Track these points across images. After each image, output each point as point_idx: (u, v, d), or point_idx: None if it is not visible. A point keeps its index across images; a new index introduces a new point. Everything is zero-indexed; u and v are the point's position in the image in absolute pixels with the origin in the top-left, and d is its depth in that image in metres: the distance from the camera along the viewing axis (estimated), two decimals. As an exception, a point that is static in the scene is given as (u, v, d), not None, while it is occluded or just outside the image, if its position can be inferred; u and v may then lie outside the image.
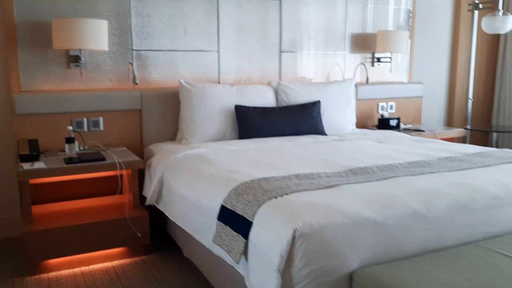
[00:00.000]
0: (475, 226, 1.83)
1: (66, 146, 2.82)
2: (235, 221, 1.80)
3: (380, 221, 1.64)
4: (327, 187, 1.87)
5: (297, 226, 1.51)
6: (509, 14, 4.11)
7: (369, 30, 4.13)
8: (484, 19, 4.16)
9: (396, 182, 1.94)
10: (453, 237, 1.78)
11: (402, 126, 4.02)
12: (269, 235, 1.59)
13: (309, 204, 1.65)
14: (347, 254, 1.58)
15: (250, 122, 3.15)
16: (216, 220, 1.93)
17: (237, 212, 1.80)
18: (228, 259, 1.83)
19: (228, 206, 1.88)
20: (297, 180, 1.99)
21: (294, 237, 1.51)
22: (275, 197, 1.74)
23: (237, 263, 1.74)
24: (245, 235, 1.71)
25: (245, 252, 1.72)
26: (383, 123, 3.91)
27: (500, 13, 4.07)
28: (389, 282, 1.46)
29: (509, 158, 2.42)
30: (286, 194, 1.77)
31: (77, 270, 2.61)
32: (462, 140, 4.56)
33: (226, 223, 1.86)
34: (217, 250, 1.92)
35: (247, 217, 1.73)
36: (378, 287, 1.48)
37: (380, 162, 2.36)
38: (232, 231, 1.80)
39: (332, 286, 1.56)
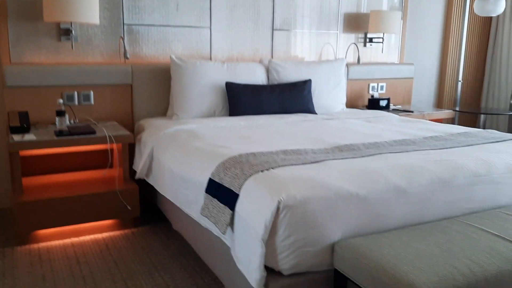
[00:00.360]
0: (455, 202, 1.89)
1: (57, 119, 2.83)
2: (222, 194, 1.84)
3: (362, 195, 1.68)
4: (312, 162, 1.91)
5: (282, 198, 1.56)
6: (501, -4, 4.12)
7: (363, 9, 4.13)
8: (476, 2, 4.17)
9: (380, 159, 1.99)
10: (433, 212, 1.84)
11: (391, 106, 4.07)
12: (255, 206, 1.64)
13: (294, 177, 1.70)
14: (329, 226, 1.63)
15: (241, 100, 3.18)
16: (204, 192, 1.97)
17: (224, 184, 1.84)
18: (215, 230, 1.88)
19: (216, 179, 1.92)
20: (284, 156, 2.03)
21: (278, 208, 1.55)
22: (262, 171, 1.78)
23: (224, 234, 1.79)
24: (232, 207, 1.75)
25: (231, 223, 1.76)
26: (373, 104, 3.95)
27: (493, -4, 4.07)
28: (368, 253, 1.52)
29: (493, 138, 2.48)
30: (272, 168, 1.81)
31: (67, 241, 2.66)
32: (451, 121, 4.62)
33: (213, 196, 1.90)
34: (205, 222, 1.97)
35: (233, 190, 1.77)
36: (357, 257, 1.53)
37: (366, 140, 2.40)
38: (219, 203, 1.84)
39: (314, 256, 1.62)
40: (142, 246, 2.61)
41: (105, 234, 2.76)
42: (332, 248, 1.65)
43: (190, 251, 2.52)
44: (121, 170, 2.81)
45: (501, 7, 4.09)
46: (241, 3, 3.57)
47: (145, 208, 3.00)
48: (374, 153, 2.10)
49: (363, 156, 2.03)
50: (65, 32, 3.03)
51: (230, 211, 1.75)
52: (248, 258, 1.63)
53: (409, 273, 1.38)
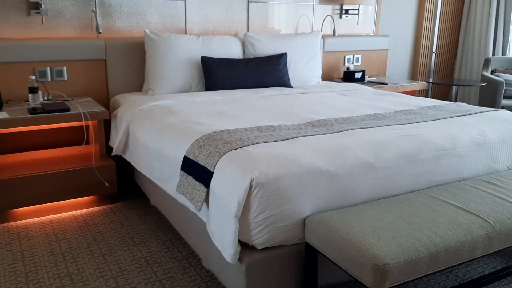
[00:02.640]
0: (421, 176, 1.97)
1: (30, 96, 2.80)
2: (197, 171, 1.88)
3: (332, 171, 1.74)
4: (285, 139, 1.95)
5: (254, 176, 1.60)
6: (475, -32, 4.15)
7: (338, -20, 4.12)
8: (450, -27, 4.20)
9: (351, 135, 2.04)
10: (400, 185, 1.92)
11: (366, 78, 4.12)
12: (228, 184, 1.68)
13: (266, 155, 1.74)
14: (300, 201, 1.69)
15: (216, 74, 3.18)
16: (180, 170, 2.00)
17: (199, 162, 1.88)
18: (191, 207, 1.92)
19: (191, 157, 1.95)
20: (258, 132, 2.07)
21: (251, 186, 1.60)
22: (235, 149, 1.82)
23: (199, 211, 1.84)
24: (206, 184, 1.79)
25: (206, 200, 1.81)
26: (349, 76, 4.00)
27: (466, -33, 4.10)
28: (337, 226, 1.59)
29: (461, 111, 2.56)
30: (246, 146, 1.85)
31: (45, 218, 2.68)
32: (425, 93, 4.71)
33: (189, 173, 1.94)
34: (181, 199, 2.01)
35: (208, 168, 1.81)
36: (327, 230, 1.60)
37: (339, 115, 2.45)
38: (194, 180, 1.88)
39: (286, 231, 1.69)
40: (120, 221, 2.65)
41: (83, 211, 2.78)
42: (303, 222, 1.71)
43: (167, 225, 2.57)
44: (97, 146, 2.82)
45: (474, -21, 4.13)
46: (215, -25, 3.53)
47: (123, 183, 3.03)
48: (345, 128, 2.15)
49: (334, 132, 2.08)
50: (34, 6, 2.95)
51: (205, 189, 1.79)
52: (222, 233, 1.69)
53: (374, 245, 1.46)
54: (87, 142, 3.00)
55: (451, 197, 1.83)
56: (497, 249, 1.67)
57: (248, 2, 3.72)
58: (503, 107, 3.97)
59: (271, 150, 1.80)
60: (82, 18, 3.12)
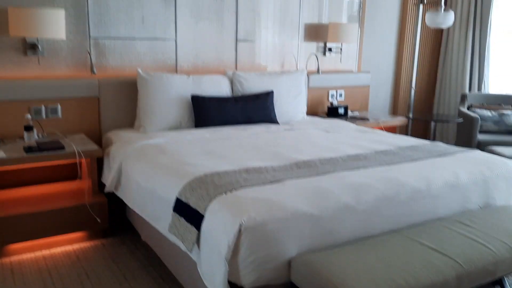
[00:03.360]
0: (398, 217, 2.11)
1: (25, 134, 2.90)
2: (188, 213, 1.99)
3: (316, 214, 1.87)
4: (272, 182, 2.08)
5: (243, 221, 1.72)
6: (450, 10, 4.41)
7: (323, 20, 4.33)
8: (427, 14, 4.45)
9: (333, 177, 2.18)
10: (380, 226, 2.05)
11: (350, 113, 4.30)
12: (219, 227, 1.80)
13: (254, 199, 1.86)
14: (286, 244, 1.81)
15: (206, 112, 3.31)
16: (172, 211, 2.11)
17: (191, 205, 1.99)
18: (182, 247, 2.03)
19: (183, 199, 2.06)
20: (246, 175, 2.20)
21: (240, 230, 1.72)
22: (225, 193, 1.94)
23: (190, 252, 1.94)
24: (198, 226, 1.91)
25: (197, 242, 1.92)
26: (332, 111, 4.17)
27: (442, 9, 4.36)
28: (320, 267, 1.71)
29: (436, 152, 2.72)
30: (235, 189, 1.97)
31: (38, 254, 2.74)
32: (405, 128, 4.91)
33: (180, 215, 2.05)
34: (173, 238, 2.11)
35: (199, 211, 1.92)
36: (311, 272, 1.72)
37: (323, 155, 2.60)
38: (186, 222, 1.99)
39: (273, 272, 1.80)
40: (112, 257, 2.73)
41: (75, 246, 2.86)
42: (289, 263, 1.83)
43: (158, 261, 2.65)
44: (90, 182, 2.91)
45: (450, 20, 4.38)
46: (205, 16, 3.70)
47: (115, 219, 3.11)
48: (328, 170, 2.29)
49: (318, 174, 2.22)
50: (31, 47, 3.08)
51: (196, 231, 1.90)
52: (213, 274, 1.79)
53: (352, 286, 1.58)
54: (80, 178, 3.09)
55: (426, 238, 1.97)
56: (467, 288, 1.80)
57: (237, 41, 3.90)
58: (479, 142, 4.17)
59: (259, 194, 1.92)
60: (77, 58, 3.24)
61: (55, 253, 2.76)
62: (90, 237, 2.94)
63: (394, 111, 5.10)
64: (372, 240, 1.96)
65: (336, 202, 1.95)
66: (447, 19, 4.37)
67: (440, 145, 2.91)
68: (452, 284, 1.73)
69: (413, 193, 2.16)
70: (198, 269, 1.92)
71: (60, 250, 2.79)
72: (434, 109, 5.31)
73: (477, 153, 2.75)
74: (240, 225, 1.72)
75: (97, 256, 2.73)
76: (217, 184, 2.04)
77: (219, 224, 1.80)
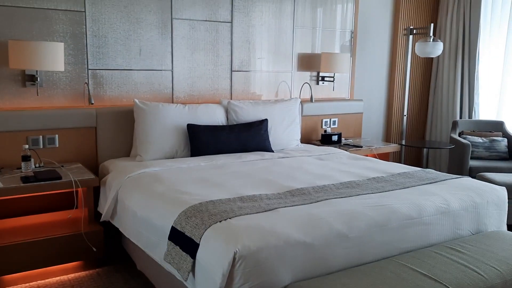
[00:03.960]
0: (391, 243, 2.14)
1: (23, 164, 2.93)
2: (184, 242, 2.02)
3: (308, 242, 1.91)
4: (266, 210, 2.12)
5: (237, 249, 1.75)
6: (439, 40, 4.55)
7: (317, 50, 4.44)
8: (417, 44, 4.58)
9: (326, 205, 2.22)
10: (372, 253, 2.08)
11: (343, 141, 4.36)
12: (213, 256, 1.82)
13: (248, 228, 1.90)
14: (280, 271, 1.83)
15: (201, 140, 3.37)
16: (167, 240, 2.14)
17: (186, 234, 2.02)
18: (178, 275, 2.04)
19: (178, 228, 2.09)
20: (241, 203, 2.23)
21: (234, 258, 1.75)
22: (220, 221, 1.98)
23: (185, 280, 1.96)
24: (193, 255, 1.93)
25: (192, 270, 1.94)
26: (326, 139, 4.23)
27: (431, 39, 4.49)
28: (314, 295, 1.74)
29: (427, 179, 2.77)
30: (230, 218, 2.00)
31: (33, 284, 2.74)
32: (398, 155, 4.97)
33: (176, 243, 2.07)
34: (168, 267, 2.13)
35: (194, 239, 1.95)
36: (305, 300, 1.75)
37: (316, 182, 2.64)
38: (181, 251, 2.02)
39: (267, 299, 1.82)
40: (107, 286, 2.73)
41: (70, 276, 2.85)
42: (283, 290, 1.85)
43: (153, 290, 2.66)
44: (86, 211, 2.93)
45: (439, 50, 4.51)
46: (201, 47, 3.79)
47: (110, 248, 3.11)
48: (321, 198, 2.34)
49: (311, 202, 2.26)
50: (30, 78, 3.14)
51: (191, 259, 1.93)
52: (207, 303, 1.81)
53: (347, 314, 1.61)
54: (76, 207, 3.10)
55: (418, 264, 2.00)
56: (460, 314, 1.82)
57: (231, 71, 3.99)
58: (471, 168, 4.23)
59: (253, 223, 1.96)
60: (75, 89, 3.31)
61: (50, 283, 2.75)
62: (85, 267, 2.94)
63: (387, 138, 5.18)
64: (364, 267, 1.99)
65: (328, 229, 1.99)
66: (436, 48, 4.50)
67: (431, 172, 2.97)
68: (444, 310, 1.76)
69: (405, 220, 2.20)
70: (193, 298, 1.94)
71: (55, 280, 2.79)
72: (427, 136, 5.40)
73: (468, 180, 2.80)
74: (235, 253, 1.75)
75: (93, 286, 2.73)
76: (211, 212, 2.08)
77: (214, 253, 1.83)
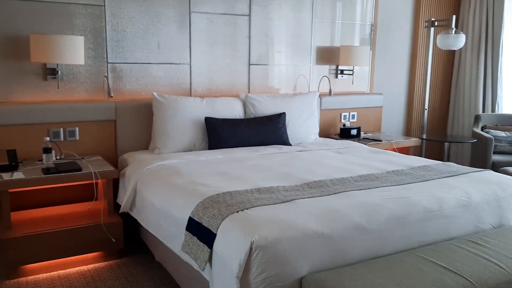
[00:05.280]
0: (410, 237, 2.11)
1: (44, 156, 2.98)
2: (201, 232, 2.02)
3: (326, 234, 1.89)
4: (283, 202, 2.11)
5: (254, 239, 1.75)
6: (461, 32, 4.45)
7: (336, 43, 4.40)
8: (438, 37, 4.49)
9: (344, 197, 2.20)
10: (391, 246, 2.05)
11: (362, 135, 4.32)
12: (230, 246, 1.82)
13: (265, 218, 1.89)
14: (297, 262, 1.82)
15: (219, 133, 3.37)
16: (185, 230, 2.14)
17: (203, 224, 2.03)
18: (195, 266, 2.05)
19: (195, 218, 2.10)
20: (258, 194, 2.23)
21: (251, 248, 1.74)
22: (237, 212, 1.97)
23: (203, 270, 1.97)
24: (210, 245, 1.94)
25: (209, 260, 1.94)
26: (344, 133, 4.19)
27: (453, 32, 4.40)
28: (331, 285, 1.72)
29: (448, 172, 2.72)
30: (247, 209, 2.00)
31: (54, 273, 2.79)
32: (419, 149, 4.90)
33: (193, 234, 2.08)
34: (186, 257, 2.14)
35: (211, 230, 1.96)
36: (322, 291, 1.73)
37: (334, 175, 2.62)
38: (198, 241, 2.02)
39: (284, 290, 1.81)
40: (126, 277, 2.76)
41: (90, 266, 2.89)
42: (300, 282, 1.84)
43: (171, 281, 2.67)
44: (106, 203, 2.97)
45: (461, 42, 4.42)
46: (219, 41, 3.80)
47: (129, 239, 3.15)
48: (339, 190, 2.31)
49: (329, 194, 2.24)
50: (51, 72, 3.19)
51: (209, 249, 1.93)
52: (224, 293, 1.81)
53: (365, 306, 1.59)
54: (96, 198, 3.15)
55: (438, 257, 1.96)
56: (481, 308, 1.78)
57: (249, 65, 3.98)
58: (494, 162, 4.14)
59: (270, 214, 1.95)
60: (95, 82, 3.35)
61: (70, 273, 2.80)
62: (105, 258, 2.97)
63: (407, 133, 5.10)
64: (383, 259, 1.96)
65: (347, 222, 1.96)
66: (458, 41, 4.41)
67: (452, 165, 2.91)
68: (464, 303, 1.72)
69: (425, 213, 2.16)
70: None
71: (75, 270, 2.84)
72: (448, 130, 5.30)
73: (490, 173, 2.74)
74: (251, 243, 1.74)
75: (112, 276, 2.77)
76: (229, 203, 2.08)
77: (231, 243, 1.83)
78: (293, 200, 2.14)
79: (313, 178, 2.56)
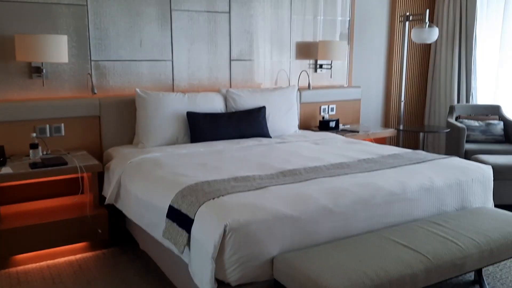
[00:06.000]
0: (375, 218, 2.27)
1: (31, 151, 3.09)
2: (180, 219, 2.16)
3: (295, 216, 2.04)
4: (257, 189, 2.25)
5: (227, 223, 1.89)
6: (434, 26, 4.62)
7: (315, 38, 4.55)
8: (413, 31, 4.66)
9: (315, 183, 2.35)
10: (357, 227, 2.21)
11: (341, 127, 4.47)
12: (206, 230, 1.96)
13: (238, 204, 2.03)
14: (268, 243, 1.97)
15: (201, 127, 3.50)
16: (166, 217, 2.28)
17: (182, 211, 2.16)
18: (175, 250, 2.19)
19: (175, 206, 2.24)
20: (235, 183, 2.37)
21: (225, 231, 1.88)
22: (213, 198, 2.11)
23: (182, 254, 2.11)
24: (188, 230, 2.08)
25: (188, 244, 2.08)
26: (323, 125, 4.35)
27: (427, 26, 4.56)
28: (299, 264, 1.87)
29: (415, 159, 2.88)
30: (222, 196, 2.14)
31: (43, 263, 2.91)
32: (396, 139, 5.07)
33: (173, 220, 2.22)
34: (166, 243, 2.28)
35: (189, 215, 2.09)
36: (290, 269, 1.88)
37: (308, 164, 2.77)
38: (177, 227, 2.16)
39: (256, 269, 1.96)
40: (112, 266, 2.89)
41: (78, 256, 3.02)
42: (272, 261, 1.99)
43: (155, 268, 2.81)
44: (91, 196, 3.09)
45: (434, 35, 4.59)
46: (200, 38, 3.92)
47: (115, 230, 3.27)
48: (311, 177, 2.46)
49: (301, 181, 2.39)
50: (36, 70, 3.29)
51: (187, 234, 2.07)
52: (201, 273, 1.96)
53: (327, 280, 1.74)
54: (82, 192, 3.26)
55: (400, 236, 2.12)
56: (437, 281, 1.95)
57: (230, 60, 4.11)
58: (466, 151, 4.32)
59: (243, 199, 2.09)
60: (79, 80, 3.46)
61: (58, 263, 2.92)
62: (92, 248, 3.10)
63: (386, 124, 5.27)
64: (349, 239, 2.11)
65: (314, 205, 2.11)
66: (432, 34, 4.57)
67: (420, 153, 3.08)
68: (420, 277, 1.88)
69: (389, 196, 2.32)
70: (189, 269, 2.08)
71: (64, 260, 2.96)
72: (426, 121, 5.48)
73: (455, 159, 2.91)
74: (225, 226, 1.88)
75: (98, 265, 2.89)
76: (206, 191, 2.22)
77: (207, 227, 1.97)
78: (266, 187, 2.28)
79: (288, 167, 2.71)
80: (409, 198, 2.38)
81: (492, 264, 2.15)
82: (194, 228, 2.05)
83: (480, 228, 2.24)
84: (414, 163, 2.79)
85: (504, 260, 2.18)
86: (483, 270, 2.62)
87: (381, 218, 2.29)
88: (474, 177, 2.66)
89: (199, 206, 2.08)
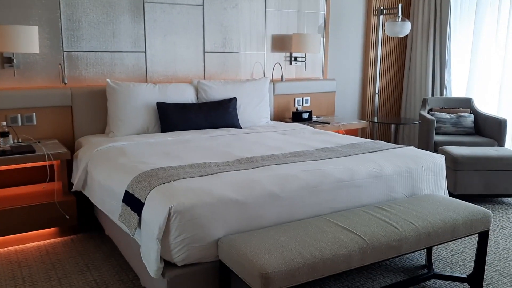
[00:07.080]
0: (322, 204, 2.36)
1: (1, 139, 3.17)
2: (133, 203, 2.25)
3: (241, 201, 2.13)
4: (208, 174, 2.35)
5: (172, 205, 1.98)
6: (407, 20, 4.70)
7: (290, 31, 4.63)
8: (386, 24, 4.74)
9: (266, 170, 2.44)
10: (303, 212, 2.31)
11: (314, 118, 4.56)
12: (153, 212, 2.06)
13: (186, 188, 2.12)
14: (213, 225, 2.06)
15: (170, 117, 3.59)
16: (122, 202, 2.37)
17: (135, 195, 2.25)
18: (128, 232, 2.28)
19: (130, 191, 2.33)
20: (190, 169, 2.46)
21: (169, 213, 1.98)
22: (164, 183, 2.20)
23: (133, 235, 2.20)
24: (139, 213, 2.17)
25: (139, 226, 2.18)
26: (296, 116, 4.44)
27: (399, 19, 4.64)
28: (239, 245, 1.96)
29: (372, 148, 2.98)
30: (173, 181, 2.23)
31: (11, 248, 3.00)
32: (370, 131, 5.17)
33: (127, 204, 2.31)
34: (122, 226, 2.37)
35: (141, 199, 2.19)
36: (232, 249, 1.97)
37: (266, 153, 2.86)
38: (131, 210, 2.25)
39: (202, 250, 2.05)
40: (78, 250, 2.99)
41: (46, 241, 3.11)
42: (217, 243, 2.08)
43: (119, 253, 2.91)
44: (60, 183, 3.18)
45: (407, 29, 4.67)
46: (173, 30, 3.99)
47: (85, 216, 3.36)
48: (266, 164, 2.55)
49: (253, 168, 2.48)
50: (7, 60, 3.37)
51: (138, 217, 2.16)
52: (148, 253, 2.05)
53: (263, 258, 1.83)
54: (52, 180, 3.35)
55: (343, 220, 2.21)
56: (372, 262, 2.05)
57: (204, 52, 4.19)
58: (436, 142, 4.42)
59: (192, 184, 2.18)
60: (51, 70, 3.54)
61: (27, 248, 3.01)
62: (60, 234, 3.20)
63: (362, 116, 5.37)
64: (293, 223, 2.21)
65: (261, 190, 2.20)
66: (404, 28, 4.66)
67: (379, 143, 3.17)
68: (355, 257, 1.98)
69: (336, 182, 2.41)
70: (140, 251, 2.18)
71: (32, 245, 3.05)
72: (402, 113, 5.58)
73: (410, 149, 3.00)
74: (170, 209, 1.98)
75: (66, 250, 2.99)
76: (159, 177, 2.31)
77: (154, 209, 2.06)
78: (217, 173, 2.38)
79: (247, 155, 2.80)
80: (358, 184, 2.48)
81: (430, 246, 2.24)
82: (144, 211, 2.14)
83: (422, 213, 2.33)
84: (369, 152, 2.88)
85: (442, 243, 2.27)
86: (432, 254, 2.72)
87: (328, 203, 2.38)
88: (425, 166, 2.75)
89: (150, 191, 2.17)
